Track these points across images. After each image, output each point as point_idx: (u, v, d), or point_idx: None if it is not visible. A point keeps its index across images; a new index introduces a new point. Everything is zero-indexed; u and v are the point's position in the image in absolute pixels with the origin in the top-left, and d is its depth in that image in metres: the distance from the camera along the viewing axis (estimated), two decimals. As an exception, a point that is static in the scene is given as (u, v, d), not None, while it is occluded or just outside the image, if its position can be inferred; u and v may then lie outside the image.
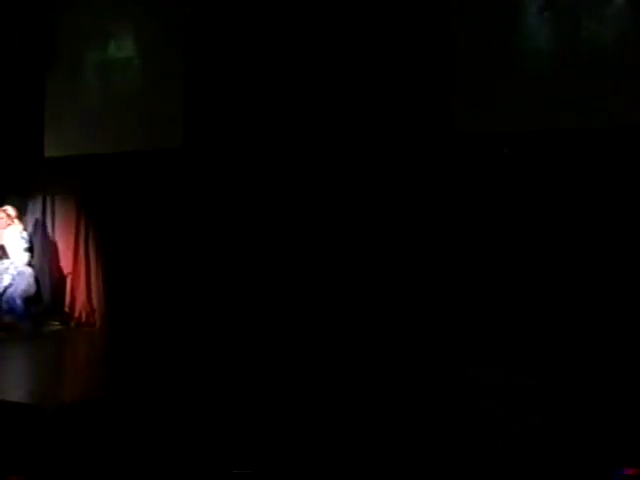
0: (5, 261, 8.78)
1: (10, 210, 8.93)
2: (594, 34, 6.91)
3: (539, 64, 7.13)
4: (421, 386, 5.87)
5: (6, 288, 8.70)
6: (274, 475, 3.74)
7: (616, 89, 6.72)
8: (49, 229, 9.60)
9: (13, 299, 8.69)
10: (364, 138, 7.67)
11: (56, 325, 9.23)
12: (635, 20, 6.74)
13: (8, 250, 8.80)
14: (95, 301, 9.28)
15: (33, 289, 8.89)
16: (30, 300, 8.84)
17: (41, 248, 9.43)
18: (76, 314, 9.32)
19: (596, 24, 6.89)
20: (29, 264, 8.88)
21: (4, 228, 8.85)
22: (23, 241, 8.89)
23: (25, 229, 9.13)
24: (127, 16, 8.95)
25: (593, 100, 6.79)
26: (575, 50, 7.01)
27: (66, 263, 9.48)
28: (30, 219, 9.57)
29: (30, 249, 9.02)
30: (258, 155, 8.19)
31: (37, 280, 9.02)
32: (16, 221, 8.98)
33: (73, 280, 9.43)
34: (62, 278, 9.48)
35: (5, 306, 8.71)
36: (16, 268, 8.74)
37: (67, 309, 9.39)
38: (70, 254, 9.45)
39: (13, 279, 8.71)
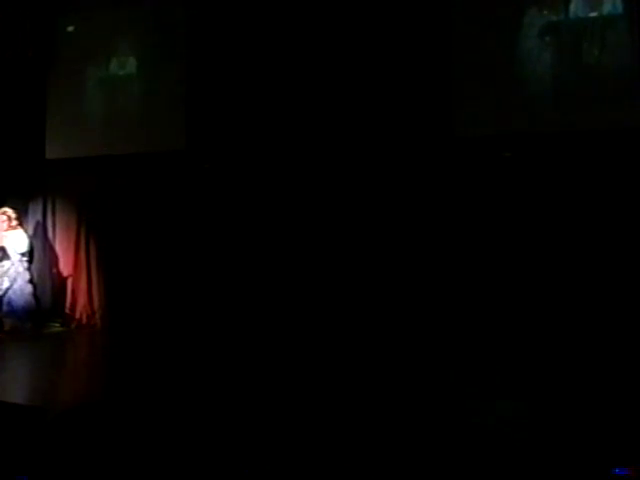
0: (5, 263, 8.78)
1: (10, 212, 8.92)
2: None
3: (538, 71, 7.15)
4: (420, 386, 5.87)
5: (7, 290, 8.70)
6: (273, 475, 3.74)
7: (616, 93, 6.75)
8: (50, 231, 9.61)
9: (14, 301, 8.70)
10: (364, 143, 7.69)
11: (57, 326, 9.24)
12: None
13: (9, 252, 8.80)
14: (96, 303, 9.29)
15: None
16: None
17: (42, 250, 9.43)
18: (77, 315, 9.33)
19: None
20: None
21: (5, 230, 8.85)
22: (24, 243, 8.90)
23: (26, 231, 9.13)
24: (129, 20, 8.96)
25: (592, 103, 6.82)
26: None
27: (67, 265, 9.49)
28: (31, 221, 9.57)
29: (30, 252, 9.03)
30: (260, 157, 8.21)
31: (36, 286, 9.01)
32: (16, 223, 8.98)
33: (74, 282, 9.44)
34: (63, 280, 9.49)
35: (6, 308, 8.71)
36: (16, 270, 8.74)
37: (68, 311, 9.39)
38: (71, 256, 9.47)
39: (13, 281, 8.71)
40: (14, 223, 8.91)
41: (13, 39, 9.01)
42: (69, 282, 9.47)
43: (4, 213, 8.89)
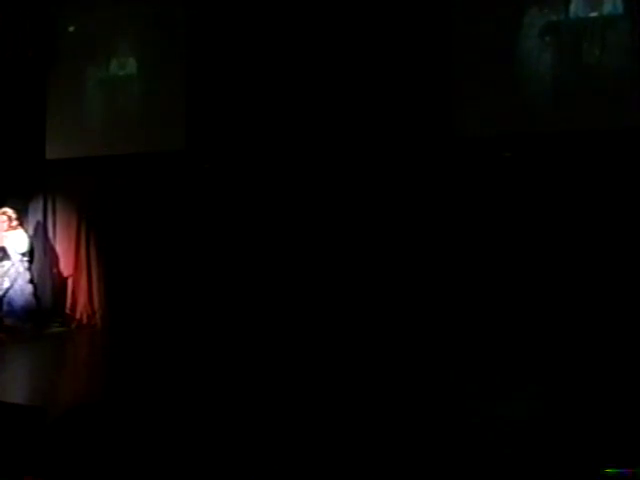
0: (5, 263, 8.78)
1: (11, 212, 8.92)
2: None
3: (539, 71, 7.15)
4: (420, 386, 5.88)
5: (7, 290, 8.70)
6: (273, 476, 3.74)
7: (616, 93, 6.75)
8: (50, 231, 9.61)
9: (14, 301, 8.70)
10: (365, 143, 7.69)
11: (57, 327, 9.23)
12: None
13: (9, 252, 8.80)
14: (96, 303, 9.29)
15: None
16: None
17: (42, 250, 9.43)
18: (77, 316, 9.32)
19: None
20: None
21: (5, 230, 8.85)
22: (24, 243, 8.90)
23: (26, 231, 9.13)
24: (129, 20, 8.96)
25: (592, 103, 6.82)
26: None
27: (67, 265, 9.49)
28: (31, 221, 9.57)
29: (31, 252, 9.03)
30: (260, 157, 8.21)
31: (36, 286, 9.02)
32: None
33: (74, 282, 9.44)
34: (63, 280, 9.49)
35: (6, 308, 8.72)
36: (17, 270, 8.75)
37: (68, 311, 9.39)
38: (71, 256, 9.47)
39: (14, 281, 8.71)
40: (14, 223, 8.91)
41: (13, 39, 9.00)
42: (69, 282, 9.47)
43: (4, 213, 8.89)
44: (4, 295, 8.70)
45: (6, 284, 8.71)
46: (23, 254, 8.85)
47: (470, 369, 6.42)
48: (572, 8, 7.07)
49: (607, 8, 6.94)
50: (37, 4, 9.13)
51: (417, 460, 4.04)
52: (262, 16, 8.11)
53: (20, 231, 8.96)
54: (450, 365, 6.57)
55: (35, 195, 9.66)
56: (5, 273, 8.75)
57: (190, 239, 8.54)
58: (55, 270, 9.50)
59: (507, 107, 7.16)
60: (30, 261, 8.97)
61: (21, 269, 8.79)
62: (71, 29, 9.20)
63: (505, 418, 4.85)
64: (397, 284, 7.58)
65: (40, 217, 9.62)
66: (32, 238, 9.20)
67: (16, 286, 8.72)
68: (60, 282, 9.48)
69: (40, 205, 9.64)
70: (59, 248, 9.58)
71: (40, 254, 9.36)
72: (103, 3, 9.00)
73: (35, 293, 8.96)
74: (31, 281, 8.90)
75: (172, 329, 8.16)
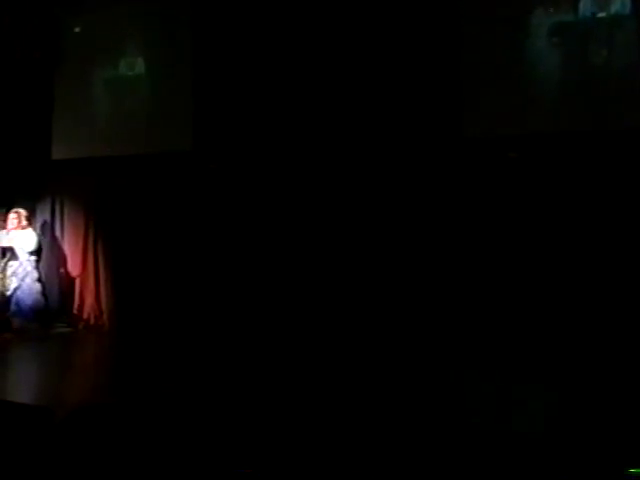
0: (13, 263, 8.81)
1: (23, 212, 8.97)
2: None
3: (546, 71, 7.13)
4: (420, 387, 5.88)
5: (15, 289, 8.73)
6: (276, 476, 3.75)
7: (624, 93, 6.74)
8: (58, 231, 9.64)
9: (22, 300, 8.73)
10: (372, 144, 7.68)
11: (64, 327, 9.25)
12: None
13: (17, 252, 8.83)
14: (103, 303, 9.31)
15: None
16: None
17: (50, 250, 9.46)
18: (84, 316, 9.34)
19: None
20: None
21: (15, 228, 8.89)
22: (32, 242, 8.93)
23: (34, 230, 9.16)
24: (136, 20, 8.97)
25: (599, 104, 6.80)
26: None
27: (75, 265, 9.51)
28: (39, 221, 9.60)
29: (38, 251, 9.06)
30: (266, 158, 8.21)
31: (44, 286, 9.04)
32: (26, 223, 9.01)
33: (81, 282, 9.46)
34: (70, 280, 9.51)
35: (14, 308, 8.75)
36: (25, 269, 8.78)
37: (75, 311, 9.41)
38: (79, 256, 9.49)
39: (21, 281, 8.75)
40: (24, 223, 8.95)
41: (20, 40, 9.04)
42: (77, 282, 9.50)
43: (16, 212, 8.94)
44: (12, 295, 8.73)
45: (14, 284, 8.74)
46: (31, 253, 8.88)
47: (471, 369, 6.41)
48: (580, 8, 7.05)
49: (614, 7, 6.92)
50: (43, 5, 9.15)
51: (417, 460, 4.04)
52: (269, 16, 8.11)
53: (29, 230, 9.00)
54: (452, 365, 6.57)
55: (43, 195, 9.70)
56: (13, 273, 8.78)
57: (197, 239, 8.55)
58: (62, 270, 9.53)
59: (513, 107, 7.14)
60: (37, 260, 9.00)
61: (29, 268, 8.83)
62: (77, 30, 9.22)
63: (506, 418, 4.85)
64: (404, 283, 7.58)
65: (48, 217, 9.65)
66: (40, 237, 9.23)
67: (24, 285, 8.76)
68: (67, 282, 9.51)
69: (48, 205, 9.67)
70: (67, 248, 9.61)
71: (47, 254, 9.39)
72: (108, 3, 9.01)
73: (43, 292, 8.99)
74: (39, 280, 8.93)
75: (179, 330, 8.17)
